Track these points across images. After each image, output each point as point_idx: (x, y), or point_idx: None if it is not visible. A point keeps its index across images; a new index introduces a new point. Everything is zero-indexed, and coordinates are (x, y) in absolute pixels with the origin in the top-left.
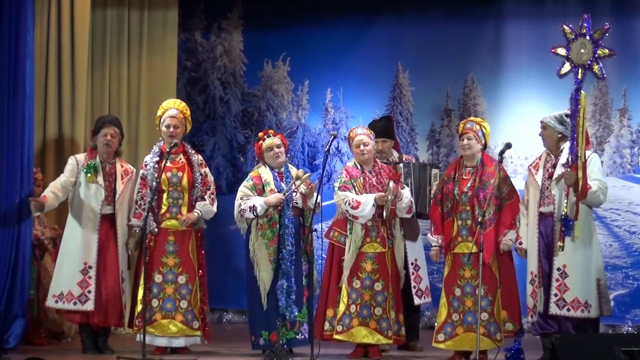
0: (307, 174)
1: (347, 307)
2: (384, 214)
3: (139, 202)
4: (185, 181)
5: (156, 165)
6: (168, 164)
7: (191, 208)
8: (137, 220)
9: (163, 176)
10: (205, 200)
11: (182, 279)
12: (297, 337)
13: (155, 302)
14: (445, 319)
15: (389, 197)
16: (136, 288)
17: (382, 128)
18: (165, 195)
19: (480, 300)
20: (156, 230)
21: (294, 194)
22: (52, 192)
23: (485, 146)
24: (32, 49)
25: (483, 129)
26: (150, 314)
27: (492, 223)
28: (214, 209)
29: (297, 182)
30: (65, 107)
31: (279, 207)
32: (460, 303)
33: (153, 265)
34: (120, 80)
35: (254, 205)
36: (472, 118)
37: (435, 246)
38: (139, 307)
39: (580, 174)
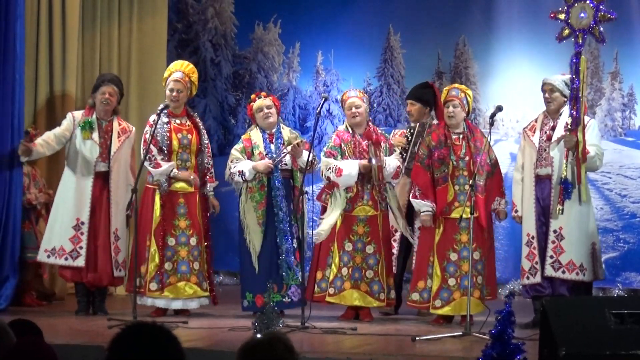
0: (298, 140)
1: (339, 269)
2: (373, 176)
3: (149, 157)
4: (194, 144)
5: (166, 126)
6: (176, 124)
7: (197, 171)
8: (157, 169)
9: (174, 136)
10: (207, 168)
11: (193, 241)
12: (284, 300)
13: (168, 265)
14: (440, 285)
15: (374, 163)
16: (142, 251)
17: (415, 90)
18: (174, 157)
19: (476, 264)
20: (167, 188)
21: (284, 158)
22: (43, 139)
23: (468, 113)
24: (23, 10)
25: (467, 96)
26: (165, 278)
27: (485, 189)
28: (215, 182)
29: (288, 148)
30: (56, 69)
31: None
32: (457, 267)
33: (165, 229)
34: (110, 41)
35: (242, 171)
36: (455, 85)
37: (428, 211)
38: (150, 271)
39: (580, 138)
